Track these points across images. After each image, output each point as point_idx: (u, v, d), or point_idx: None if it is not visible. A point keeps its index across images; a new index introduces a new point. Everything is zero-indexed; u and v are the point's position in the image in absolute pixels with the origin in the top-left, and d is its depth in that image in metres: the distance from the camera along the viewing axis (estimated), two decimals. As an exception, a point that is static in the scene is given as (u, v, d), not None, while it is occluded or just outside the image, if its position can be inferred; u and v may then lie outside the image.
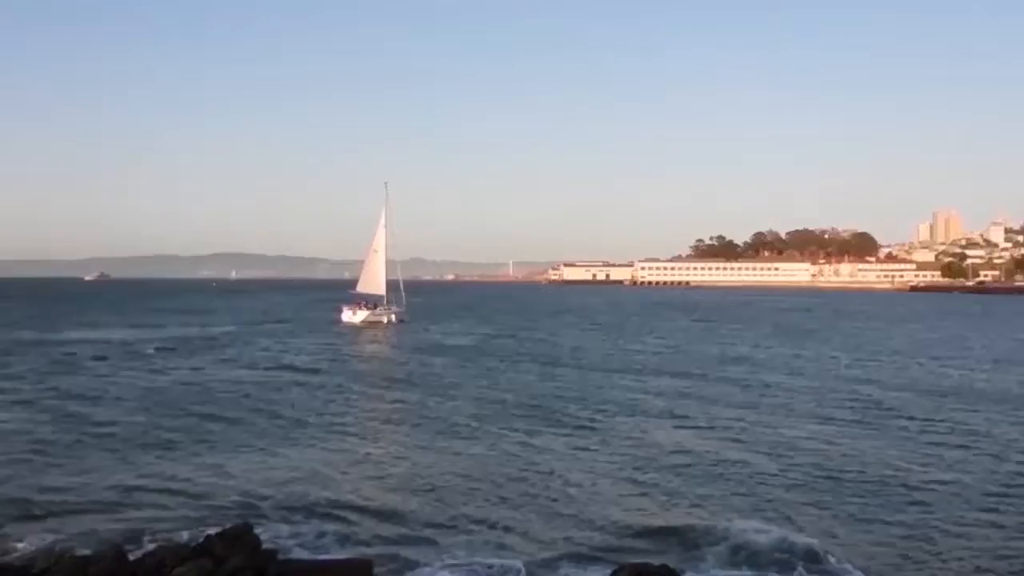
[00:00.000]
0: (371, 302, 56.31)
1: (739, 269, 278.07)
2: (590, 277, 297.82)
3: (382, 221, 57.15)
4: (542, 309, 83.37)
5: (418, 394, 21.49)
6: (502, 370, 25.77)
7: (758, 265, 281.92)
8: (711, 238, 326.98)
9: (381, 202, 56.19)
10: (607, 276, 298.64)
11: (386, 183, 60.10)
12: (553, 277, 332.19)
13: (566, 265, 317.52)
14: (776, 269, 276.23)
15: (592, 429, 17.31)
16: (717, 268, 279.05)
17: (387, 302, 56.98)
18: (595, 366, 28.82)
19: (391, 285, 57.34)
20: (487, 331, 49.02)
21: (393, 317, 56.22)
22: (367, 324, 53.63)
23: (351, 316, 54.87)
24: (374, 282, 56.46)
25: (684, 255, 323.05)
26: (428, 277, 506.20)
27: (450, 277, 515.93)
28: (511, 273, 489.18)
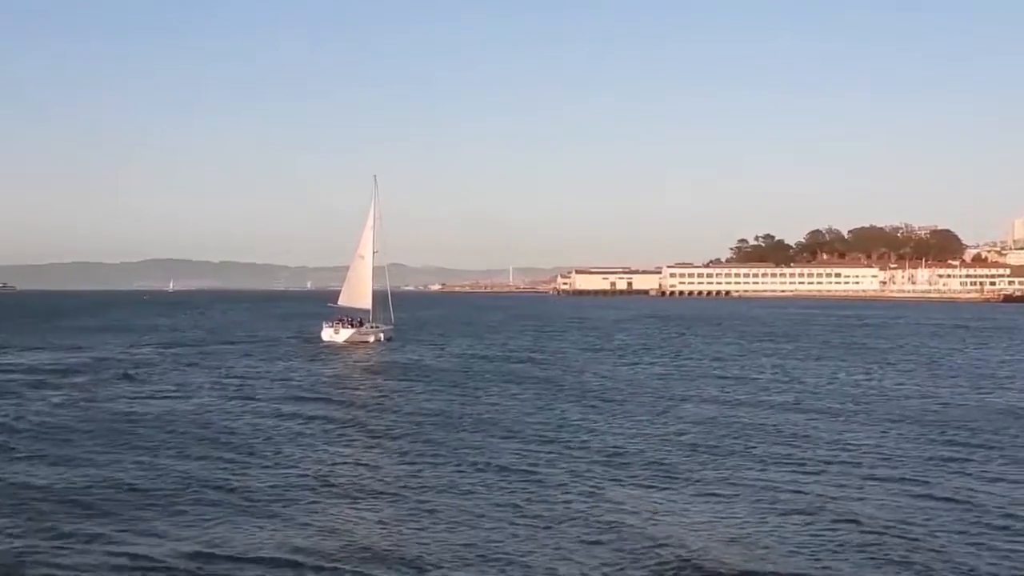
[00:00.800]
0: (356, 318, 56.79)
1: (792, 276, 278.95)
2: (608, 286, 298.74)
3: (370, 221, 57.68)
4: (558, 324, 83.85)
5: (439, 452, 19.38)
6: (535, 422, 23.40)
7: (815, 270, 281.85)
8: (757, 238, 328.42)
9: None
10: (629, 285, 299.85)
11: (375, 176, 60.09)
12: (563, 286, 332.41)
13: (579, 272, 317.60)
14: (837, 275, 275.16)
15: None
16: (764, 275, 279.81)
17: (373, 318, 57.74)
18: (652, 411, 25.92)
19: (377, 298, 58.12)
20: (495, 354, 48.72)
21: (381, 336, 57.05)
22: (352, 343, 54.12)
23: (333, 334, 55.33)
24: (359, 294, 57.05)
25: (723, 259, 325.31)
26: (409, 287, 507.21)
27: (435, 287, 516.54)
28: (511, 282, 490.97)
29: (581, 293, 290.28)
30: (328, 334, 55.87)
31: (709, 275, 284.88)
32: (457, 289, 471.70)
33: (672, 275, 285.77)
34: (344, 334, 55.04)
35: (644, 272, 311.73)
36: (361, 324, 56.67)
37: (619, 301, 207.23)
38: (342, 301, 57.67)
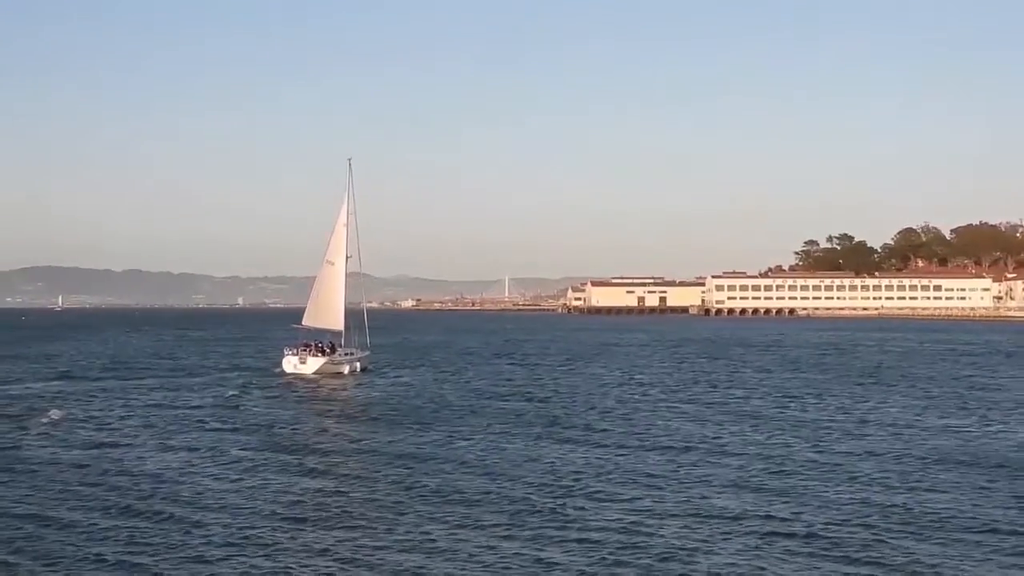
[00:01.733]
0: (326, 342, 57.37)
1: (877, 288, 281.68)
2: (634, 302, 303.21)
3: (342, 217, 58.51)
4: (584, 351, 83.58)
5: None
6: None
7: (908, 281, 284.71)
8: (831, 239, 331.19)
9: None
10: (662, 300, 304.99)
11: (349, 160, 61.05)
12: (575, 302, 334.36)
13: (595, 284, 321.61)
14: (937, 288, 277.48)
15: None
16: (841, 287, 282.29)
17: (345, 342, 58.64)
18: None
19: (351, 316, 58.96)
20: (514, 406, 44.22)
21: (357, 365, 57.78)
22: (323, 375, 54.78)
23: (298, 364, 55.75)
24: (330, 311, 57.80)
25: (786, 267, 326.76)
26: (372, 303, 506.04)
27: (407, 303, 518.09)
28: (507, 296, 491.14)
29: (599, 311, 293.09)
30: (291, 364, 56.10)
31: (767, 287, 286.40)
32: (436, 306, 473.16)
33: (719, 288, 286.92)
34: (313, 364, 55.41)
35: (682, 284, 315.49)
36: (333, 350, 57.13)
37: (650, 321, 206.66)
38: (309, 321, 58.09)
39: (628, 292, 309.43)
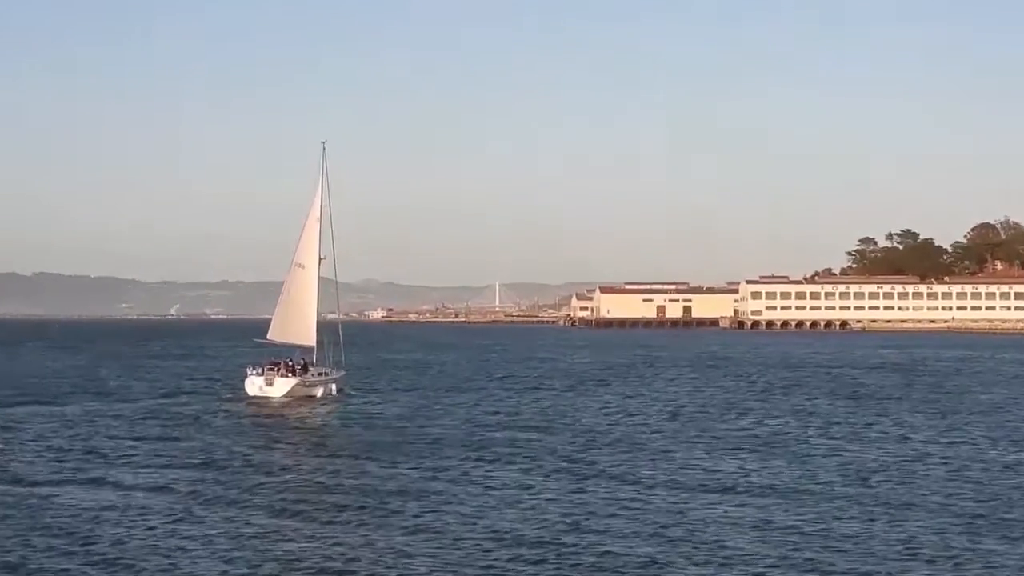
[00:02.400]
0: (297, 360, 58.18)
1: (948, 296, 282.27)
2: (652, 313, 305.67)
3: (315, 210, 59.51)
4: (591, 372, 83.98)
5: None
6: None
7: (984, 288, 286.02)
8: (891, 236, 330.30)
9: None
10: (686, 311, 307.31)
11: (323, 143, 62.39)
12: (581, 312, 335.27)
13: (606, 290, 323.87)
14: (1020, 296, 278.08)
15: None
16: (903, 294, 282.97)
17: (318, 359, 59.63)
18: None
19: (324, 329, 60.05)
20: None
21: (332, 387, 58.83)
22: (294, 399, 55.72)
23: (265, 386, 56.57)
24: (300, 323, 58.66)
25: (836, 270, 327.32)
26: (333, 315, 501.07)
27: (377, 314, 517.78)
28: (499, 305, 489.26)
29: (610, 323, 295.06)
30: (256, 385, 56.79)
31: (814, 295, 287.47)
32: (412, 317, 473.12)
33: (755, 295, 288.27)
34: (281, 385, 56.16)
35: (709, 291, 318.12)
36: (305, 369, 57.88)
37: (673, 337, 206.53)
38: (276, 335, 59.14)
39: (645, 300, 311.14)
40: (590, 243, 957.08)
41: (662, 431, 45.32)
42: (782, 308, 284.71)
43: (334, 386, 58.92)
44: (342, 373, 61.16)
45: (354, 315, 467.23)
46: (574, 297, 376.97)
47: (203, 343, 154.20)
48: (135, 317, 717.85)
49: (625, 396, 64.02)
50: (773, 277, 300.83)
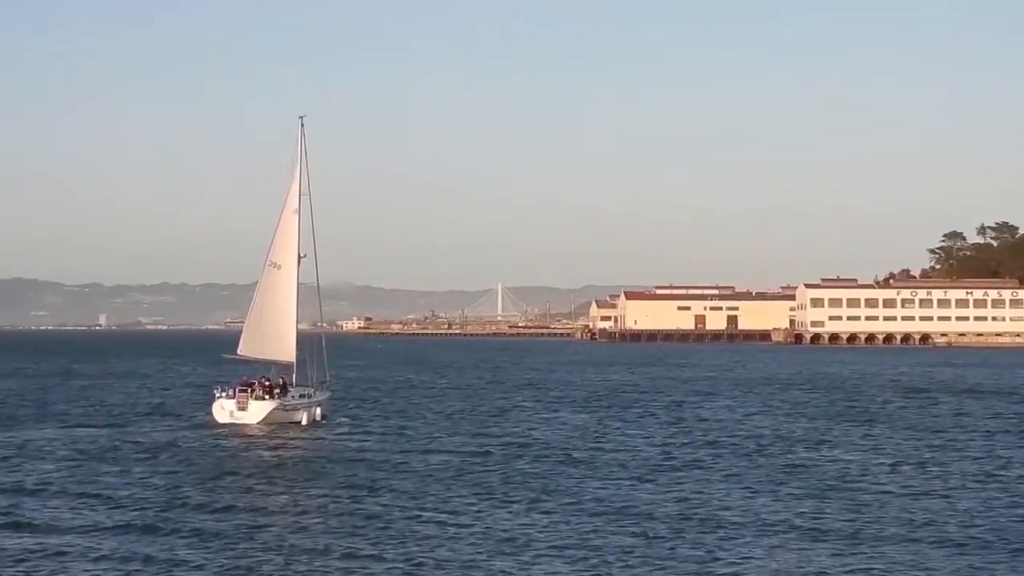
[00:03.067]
0: (275, 379, 58.79)
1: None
2: (690, 323, 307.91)
3: (292, 198, 60.27)
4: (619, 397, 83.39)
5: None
6: None
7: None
8: (984, 229, 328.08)
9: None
10: (731, 321, 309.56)
11: (301, 118, 62.89)
12: (602, 322, 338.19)
13: (632, 296, 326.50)
14: None
15: None
16: (999, 302, 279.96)
17: (299, 378, 60.34)
18: None
19: (305, 342, 60.79)
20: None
21: (317, 411, 59.43)
22: (272, 426, 56.20)
23: (237, 410, 56.92)
24: (278, 336, 59.40)
25: (915, 272, 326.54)
26: (303, 324, 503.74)
27: (353, 323, 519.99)
28: (500, 313, 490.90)
29: (638, 336, 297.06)
30: (226, 409, 57.16)
31: (887, 302, 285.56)
32: (396, 328, 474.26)
33: (816, 302, 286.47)
34: (257, 410, 56.63)
35: (759, 296, 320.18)
36: (284, 389, 58.42)
37: (718, 353, 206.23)
38: (248, 350, 59.65)
39: (681, 309, 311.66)
40: (613, 238, 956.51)
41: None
42: (848, 318, 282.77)
43: (319, 410, 59.40)
44: (328, 395, 61.92)
45: (323, 325, 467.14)
46: (593, 304, 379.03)
47: (146, 360, 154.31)
48: (53, 327, 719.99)
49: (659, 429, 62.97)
50: (838, 280, 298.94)
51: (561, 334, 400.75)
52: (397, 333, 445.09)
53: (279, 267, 59.95)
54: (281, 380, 58.64)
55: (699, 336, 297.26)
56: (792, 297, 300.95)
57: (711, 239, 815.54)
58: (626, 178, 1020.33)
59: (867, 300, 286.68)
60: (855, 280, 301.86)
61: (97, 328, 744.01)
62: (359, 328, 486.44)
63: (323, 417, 59.63)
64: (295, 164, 61.92)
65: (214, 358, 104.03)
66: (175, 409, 69.21)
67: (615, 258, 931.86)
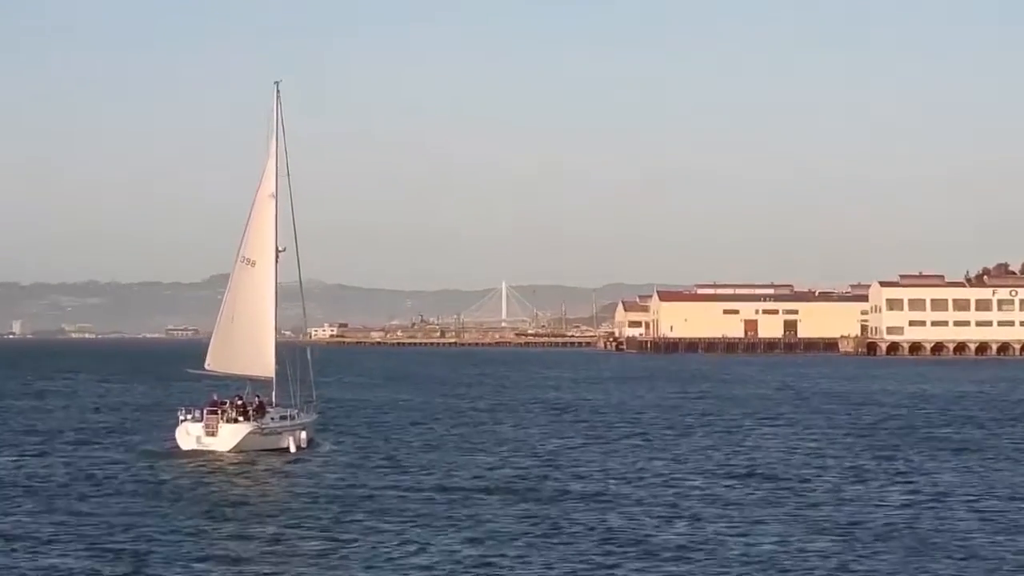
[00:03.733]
0: (251, 397, 60.03)
1: None
2: (738, 329, 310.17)
3: (268, 182, 61.17)
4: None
5: None
6: None
7: None
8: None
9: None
10: (789, 327, 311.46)
11: (277, 83, 63.67)
12: (630, 329, 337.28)
13: (667, 297, 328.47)
14: None
15: None
16: None
17: (279, 396, 61.55)
18: None
19: (286, 353, 61.82)
20: None
21: (303, 436, 60.12)
22: (247, 452, 57.37)
23: (204, 435, 57.81)
24: (253, 346, 60.93)
25: (1015, 267, 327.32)
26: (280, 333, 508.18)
27: (325, 332, 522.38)
28: (504, 318, 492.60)
29: (675, 346, 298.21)
30: (192, 435, 58.06)
31: (981, 303, 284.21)
32: (376, 336, 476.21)
33: (893, 303, 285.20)
34: (229, 435, 57.50)
35: (823, 297, 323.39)
36: (262, 410, 59.55)
37: (775, 367, 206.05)
38: (217, 363, 61.01)
39: (728, 312, 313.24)
40: (642, 224, 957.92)
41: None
42: (933, 323, 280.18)
43: (304, 434, 60.03)
44: (314, 417, 62.80)
45: (288, 333, 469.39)
46: (620, 306, 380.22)
47: (79, 375, 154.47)
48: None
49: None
50: (921, 276, 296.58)
51: (580, 343, 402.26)
52: (378, 342, 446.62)
53: (253, 264, 60.75)
54: (257, 399, 59.51)
55: (750, 346, 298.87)
56: (864, 298, 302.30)
57: (764, 226, 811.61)
58: (656, 151, 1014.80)
59: (956, 301, 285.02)
60: (941, 277, 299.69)
61: (10, 337, 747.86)
62: (331, 337, 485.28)
63: (309, 442, 60.27)
64: (270, 139, 61.92)
65: (162, 374, 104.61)
66: (130, 433, 69.48)
67: (646, 250, 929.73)
